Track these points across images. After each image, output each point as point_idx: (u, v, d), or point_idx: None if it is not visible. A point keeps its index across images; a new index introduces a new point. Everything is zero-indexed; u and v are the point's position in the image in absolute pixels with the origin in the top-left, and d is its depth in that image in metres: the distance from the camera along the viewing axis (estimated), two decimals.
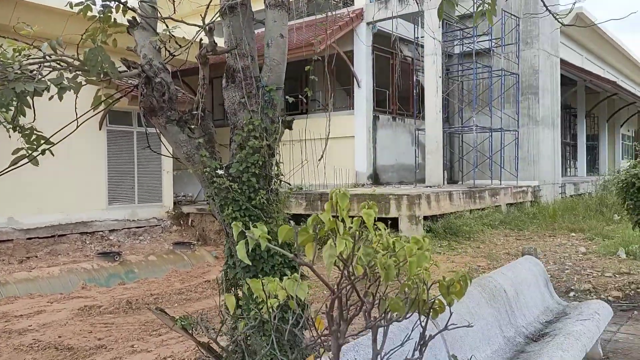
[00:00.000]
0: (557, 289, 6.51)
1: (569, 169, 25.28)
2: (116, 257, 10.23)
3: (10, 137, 3.08)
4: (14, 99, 2.67)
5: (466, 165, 17.10)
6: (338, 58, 14.99)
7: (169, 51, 4.12)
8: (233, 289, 4.28)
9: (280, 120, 4.37)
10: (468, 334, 3.05)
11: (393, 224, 10.68)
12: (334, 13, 14.13)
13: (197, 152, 4.05)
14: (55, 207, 11.65)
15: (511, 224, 12.49)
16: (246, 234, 1.36)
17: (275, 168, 4.29)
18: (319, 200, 11.84)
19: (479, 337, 3.17)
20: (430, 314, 1.57)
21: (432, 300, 1.57)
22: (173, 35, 3.97)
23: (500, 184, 15.04)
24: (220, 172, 4.01)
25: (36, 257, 11.16)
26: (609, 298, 6.00)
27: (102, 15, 3.73)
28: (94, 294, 8.64)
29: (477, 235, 11.06)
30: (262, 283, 1.46)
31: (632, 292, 6.28)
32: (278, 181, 4.29)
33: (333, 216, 1.46)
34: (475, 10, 3.81)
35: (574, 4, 4.29)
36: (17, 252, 11.06)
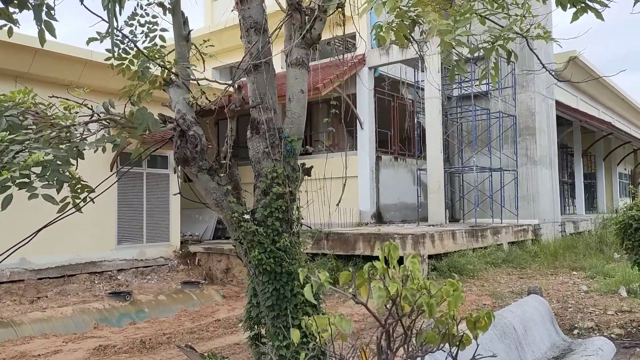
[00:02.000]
0: (561, 326, 6.73)
1: (568, 207, 25.60)
2: (127, 297, 10.41)
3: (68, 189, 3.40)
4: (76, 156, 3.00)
5: (467, 204, 17.42)
6: (341, 100, 15.52)
7: (199, 105, 4.51)
8: (256, 326, 4.53)
9: (301, 168, 4.73)
10: None
11: (398, 262, 10.91)
12: (339, 58, 14.69)
13: (225, 199, 4.37)
14: (65, 248, 11.87)
15: (513, 262, 12.72)
16: (311, 279, 1.67)
17: (296, 212, 4.62)
18: (325, 239, 12.09)
19: None
20: (459, 346, 1.86)
21: (461, 334, 1.85)
22: (204, 92, 4.37)
23: (502, 223, 15.33)
24: (247, 216, 4.33)
25: (46, 297, 11.31)
26: (612, 335, 6.21)
27: (142, 75, 4.12)
28: (106, 333, 8.80)
29: (481, 273, 11.28)
30: (323, 319, 1.75)
31: (634, 329, 6.50)
32: (299, 224, 4.61)
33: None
34: (480, 71, 4.22)
35: (567, 62, 4.72)
36: (28, 292, 11.23)
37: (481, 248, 12.98)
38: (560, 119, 19.53)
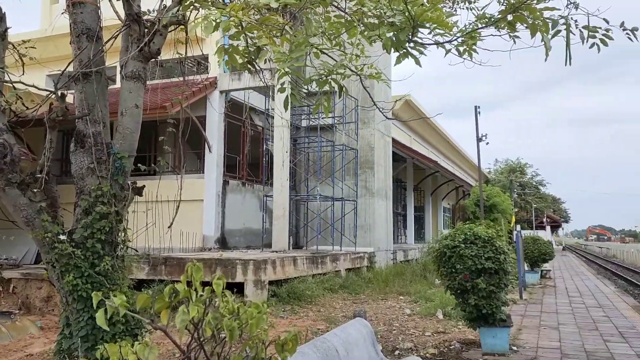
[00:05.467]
0: (385, 347, 7.17)
1: (400, 237, 27.79)
2: None
3: None
4: None
5: (310, 232, 17.98)
6: (190, 123, 15.14)
7: (14, 112, 4.04)
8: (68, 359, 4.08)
9: (130, 187, 4.45)
10: None
11: (239, 288, 10.78)
12: (189, 78, 14.40)
13: (38, 217, 3.93)
14: None
15: (349, 288, 13.34)
16: (106, 302, 1.52)
17: (122, 234, 4.31)
18: (163, 264, 11.52)
19: None
20: None
21: (269, 357, 1.84)
22: (20, 97, 3.93)
23: (341, 250, 16.06)
24: (62, 237, 3.92)
25: None
26: (427, 355, 6.78)
27: None
28: None
29: (319, 299, 11.62)
30: (119, 347, 1.60)
31: (446, 349, 7.17)
32: (125, 247, 4.30)
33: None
34: (315, 100, 4.40)
35: (395, 101, 5.15)
36: None
37: (321, 274, 13.41)
38: (396, 155, 21.29)
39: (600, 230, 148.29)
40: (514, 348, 7.16)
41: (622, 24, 3.26)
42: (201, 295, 1.64)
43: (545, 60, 3.29)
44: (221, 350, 1.80)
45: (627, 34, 3.24)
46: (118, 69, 4.80)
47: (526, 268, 16.50)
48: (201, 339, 1.65)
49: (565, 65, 3.31)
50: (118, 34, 4.40)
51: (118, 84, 5.97)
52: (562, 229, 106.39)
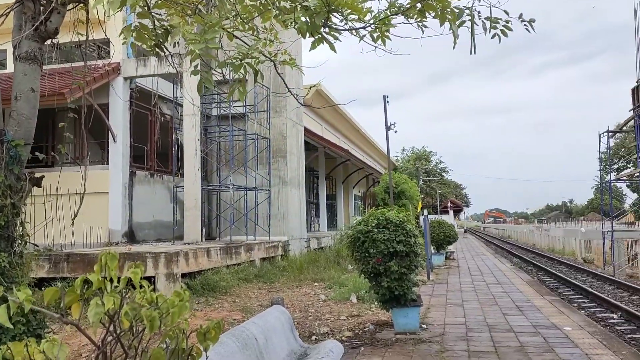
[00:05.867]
0: (302, 333, 7.25)
1: (313, 225, 28.14)
2: None
3: None
4: None
5: (223, 222, 17.69)
6: (92, 110, 14.24)
7: None
8: None
9: (28, 178, 4.11)
10: None
11: (150, 282, 10.39)
12: (90, 63, 13.54)
13: None
14: None
15: (264, 277, 13.32)
16: (9, 298, 1.39)
17: (20, 228, 3.98)
18: (65, 261, 10.81)
19: None
20: None
21: (191, 347, 1.78)
22: None
23: (255, 240, 15.97)
24: None
25: None
26: (343, 338, 6.95)
27: None
28: None
29: (234, 289, 11.50)
30: (26, 345, 1.46)
31: (360, 331, 7.39)
32: (23, 243, 3.98)
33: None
34: (230, 86, 4.31)
35: (309, 88, 5.19)
36: None
37: (235, 265, 13.26)
38: (308, 144, 21.46)
39: (497, 213, 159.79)
40: (424, 326, 7.53)
41: (520, 16, 3.50)
42: (116, 286, 1.55)
43: (454, 47, 3.46)
44: (139, 342, 1.71)
45: (525, 25, 3.50)
46: (10, 50, 4.40)
47: (432, 250, 17.39)
48: (118, 332, 1.56)
49: (471, 54, 3.50)
50: (10, 12, 4.01)
51: (10, 69, 5.51)
52: (464, 213, 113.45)
